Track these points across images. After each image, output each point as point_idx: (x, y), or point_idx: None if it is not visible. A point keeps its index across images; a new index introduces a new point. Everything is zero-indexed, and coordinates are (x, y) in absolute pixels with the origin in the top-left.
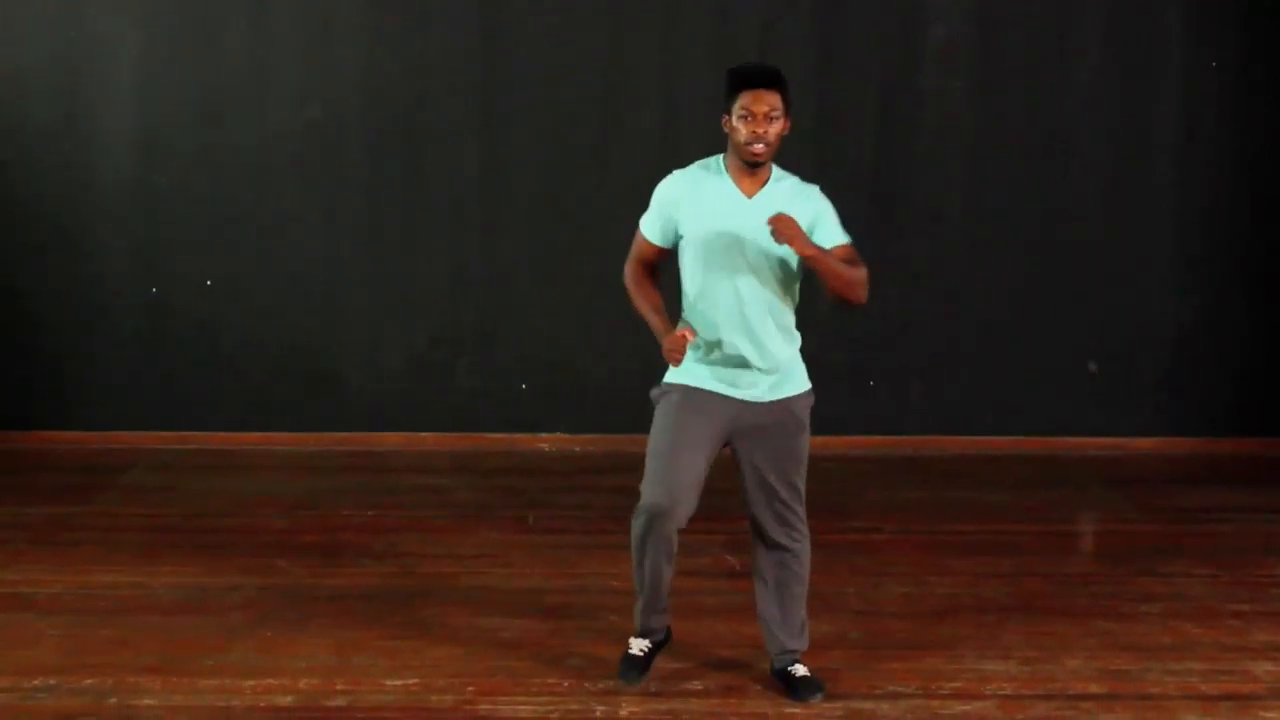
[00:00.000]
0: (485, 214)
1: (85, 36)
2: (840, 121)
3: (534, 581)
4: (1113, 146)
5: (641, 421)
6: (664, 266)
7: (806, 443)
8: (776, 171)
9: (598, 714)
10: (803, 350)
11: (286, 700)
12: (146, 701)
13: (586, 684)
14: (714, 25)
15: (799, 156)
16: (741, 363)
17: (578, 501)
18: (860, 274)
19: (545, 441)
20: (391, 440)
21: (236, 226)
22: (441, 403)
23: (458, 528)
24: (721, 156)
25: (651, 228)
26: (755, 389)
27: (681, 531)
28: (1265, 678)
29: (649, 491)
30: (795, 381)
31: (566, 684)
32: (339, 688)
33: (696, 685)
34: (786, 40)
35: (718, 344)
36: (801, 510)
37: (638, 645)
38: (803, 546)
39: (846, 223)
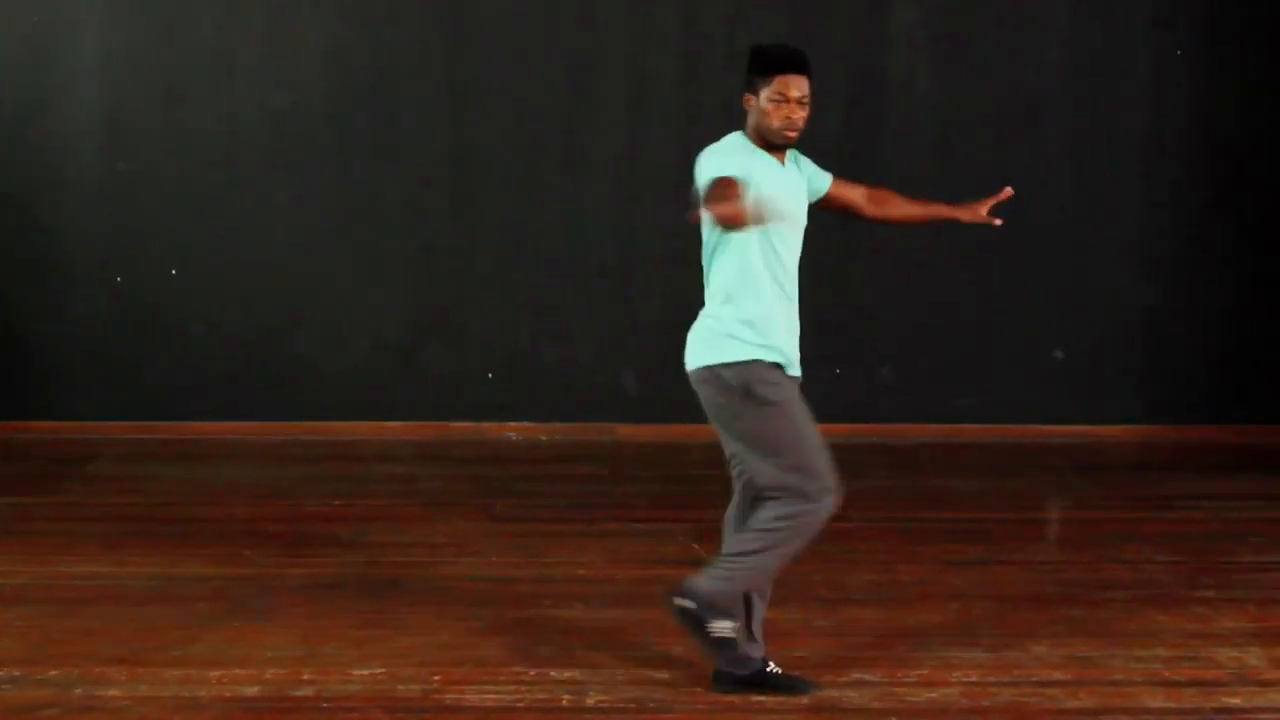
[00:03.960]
0: (452, 202)
1: (49, 21)
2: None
3: (501, 570)
4: (1081, 134)
5: (607, 410)
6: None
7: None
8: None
9: (564, 703)
10: None
11: (253, 690)
12: (112, 692)
13: (553, 673)
14: (683, 7)
15: None
16: (795, 335)
17: (545, 490)
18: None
19: (512, 430)
20: (359, 429)
21: (201, 214)
22: (409, 391)
23: (425, 517)
24: (740, 134)
25: (735, 170)
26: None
27: (646, 520)
28: (1229, 664)
29: (827, 477)
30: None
31: (533, 673)
32: (306, 677)
33: (663, 674)
34: (754, 22)
35: (777, 315)
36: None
37: (731, 627)
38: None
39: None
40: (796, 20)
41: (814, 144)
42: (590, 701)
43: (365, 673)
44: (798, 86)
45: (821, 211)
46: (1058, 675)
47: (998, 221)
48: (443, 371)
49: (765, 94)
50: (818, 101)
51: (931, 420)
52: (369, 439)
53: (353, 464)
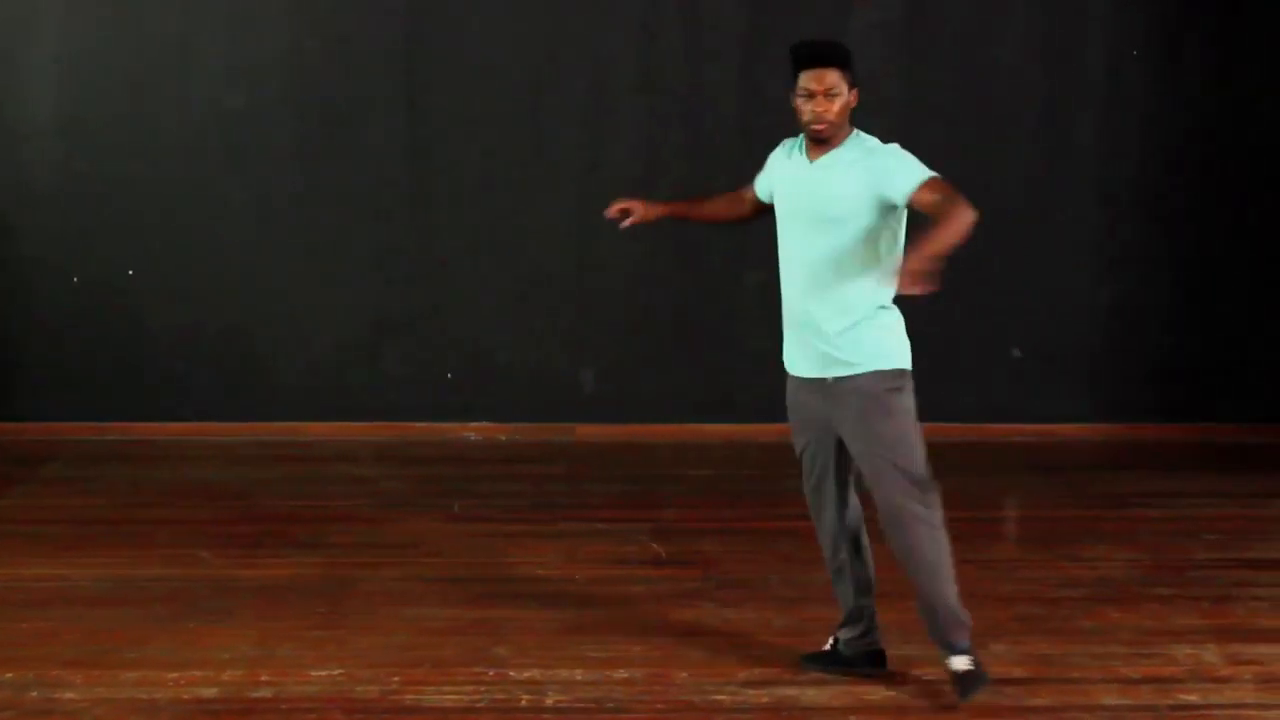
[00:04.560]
0: (412, 201)
1: (5, 20)
2: (770, 102)
3: (460, 571)
4: (1039, 134)
5: (566, 410)
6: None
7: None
8: (854, 138)
9: (523, 703)
10: (728, 335)
11: (210, 692)
12: (68, 695)
13: (512, 673)
14: (644, 9)
15: (729, 137)
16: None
17: (504, 490)
18: (956, 221)
19: (472, 430)
20: (317, 430)
21: (160, 213)
22: (368, 392)
23: (384, 517)
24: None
25: (759, 184)
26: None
27: (606, 519)
28: (1185, 660)
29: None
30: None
31: (492, 673)
32: (263, 678)
33: (622, 674)
34: (716, 18)
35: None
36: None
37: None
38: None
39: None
40: (756, 22)
41: (772, 148)
42: (549, 701)
43: (323, 674)
44: (823, 80)
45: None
46: (1016, 673)
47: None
48: (402, 372)
49: (797, 91)
50: (779, 100)
51: None
52: (328, 439)
53: (311, 464)
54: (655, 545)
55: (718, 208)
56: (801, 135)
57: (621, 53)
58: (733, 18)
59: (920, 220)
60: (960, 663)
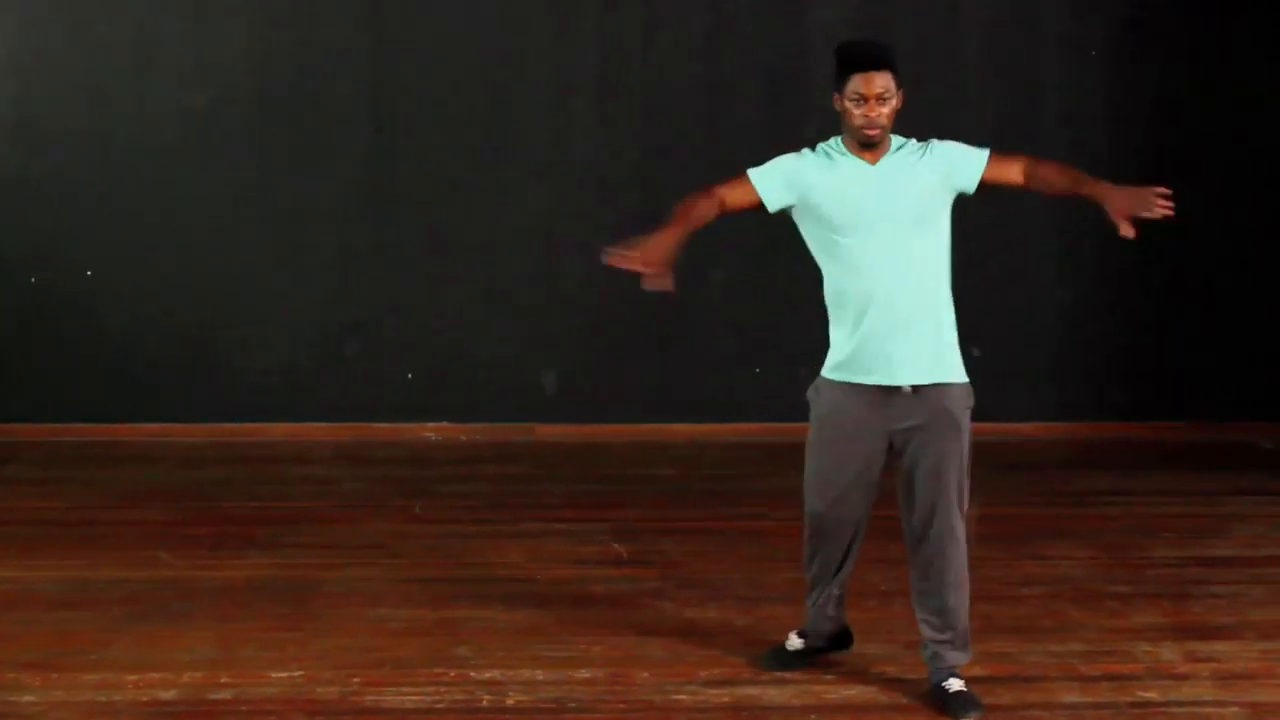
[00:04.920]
0: (373, 201)
1: None
2: (730, 105)
3: (421, 572)
4: (996, 131)
5: (527, 410)
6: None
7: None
8: (896, 140)
9: (484, 703)
10: (689, 335)
11: (169, 694)
12: (27, 698)
13: (473, 674)
14: (603, 13)
15: (691, 139)
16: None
17: (465, 490)
18: (1054, 164)
19: (432, 430)
20: (277, 430)
21: (119, 213)
22: (328, 392)
23: (344, 518)
24: (839, 139)
25: (767, 185)
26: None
27: (566, 519)
28: (1143, 658)
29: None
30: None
31: (453, 674)
32: (223, 680)
33: (584, 674)
34: (671, 26)
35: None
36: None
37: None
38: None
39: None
40: (713, 24)
41: (735, 150)
42: (510, 702)
43: (283, 675)
44: (876, 83)
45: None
46: (976, 671)
47: (1130, 233)
48: (362, 372)
49: (846, 94)
50: (738, 104)
51: None
52: (288, 440)
53: (271, 465)
54: (616, 545)
55: (703, 212)
56: (833, 141)
57: (582, 54)
58: (693, 18)
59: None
60: (959, 684)
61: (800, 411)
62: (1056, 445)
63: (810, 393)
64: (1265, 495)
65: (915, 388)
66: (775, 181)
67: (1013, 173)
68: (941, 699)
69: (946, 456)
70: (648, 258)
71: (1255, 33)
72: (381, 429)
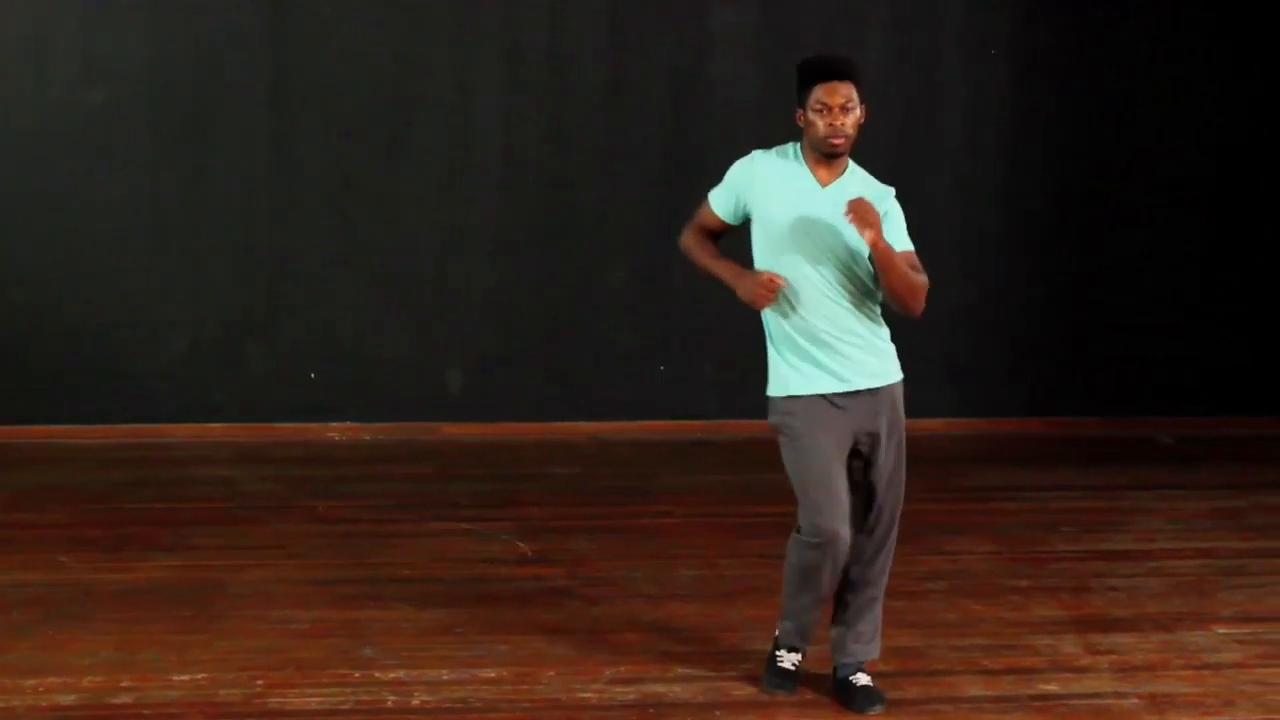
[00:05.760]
0: (273, 198)
1: None
2: (631, 104)
3: (325, 573)
4: (901, 133)
5: (431, 409)
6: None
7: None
8: (852, 165)
9: (390, 704)
10: (593, 333)
11: (69, 699)
12: None
13: (378, 674)
14: (504, 11)
15: (591, 137)
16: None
17: (369, 491)
18: (922, 280)
19: (335, 431)
20: (179, 431)
21: (13, 212)
22: (230, 392)
23: (247, 519)
24: (798, 145)
25: (722, 203)
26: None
27: (472, 519)
28: (1045, 651)
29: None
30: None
31: (358, 674)
32: (125, 684)
33: (489, 673)
34: (573, 24)
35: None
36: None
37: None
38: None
39: (639, 205)
40: (615, 24)
41: (640, 154)
42: (415, 702)
43: (186, 678)
44: (839, 93)
45: None
46: (880, 666)
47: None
48: (264, 372)
49: (810, 105)
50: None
51: (754, 416)
52: (189, 441)
53: (173, 466)
54: (521, 544)
55: (707, 242)
56: (790, 148)
57: (484, 53)
58: (593, 20)
59: None
60: (865, 678)
61: (704, 408)
62: (957, 441)
63: (772, 419)
64: (1164, 489)
65: (885, 387)
66: (729, 196)
67: (893, 279)
68: (847, 693)
69: (896, 450)
70: (771, 282)
71: (1150, 28)
72: (284, 429)
